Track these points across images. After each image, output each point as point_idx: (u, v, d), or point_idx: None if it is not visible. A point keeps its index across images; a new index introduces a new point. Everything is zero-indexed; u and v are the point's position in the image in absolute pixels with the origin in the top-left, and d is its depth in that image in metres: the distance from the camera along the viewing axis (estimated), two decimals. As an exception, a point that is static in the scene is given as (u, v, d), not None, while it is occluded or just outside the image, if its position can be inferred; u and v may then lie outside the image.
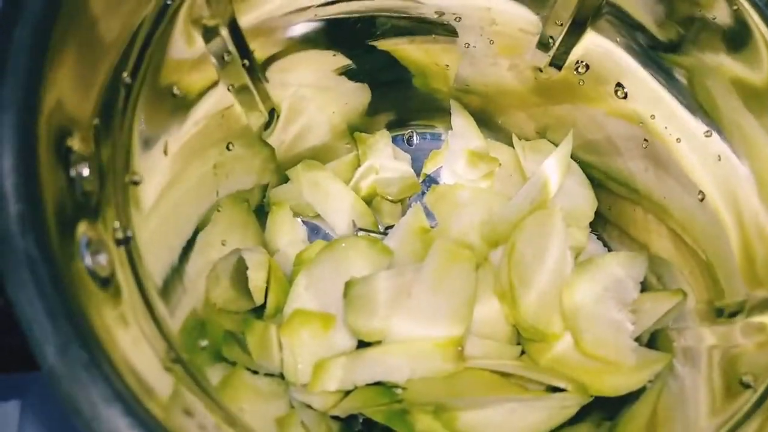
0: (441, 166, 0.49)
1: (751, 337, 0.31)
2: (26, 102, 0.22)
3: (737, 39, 0.33)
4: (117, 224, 0.27)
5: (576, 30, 0.40)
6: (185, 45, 0.33)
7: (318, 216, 0.48)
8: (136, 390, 0.21)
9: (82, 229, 0.24)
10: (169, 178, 0.32)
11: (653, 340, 0.39)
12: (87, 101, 0.26)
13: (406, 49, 0.46)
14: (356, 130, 0.50)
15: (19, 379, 0.41)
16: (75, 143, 0.24)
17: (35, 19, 0.24)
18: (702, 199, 0.37)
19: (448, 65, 0.47)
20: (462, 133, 0.48)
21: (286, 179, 0.48)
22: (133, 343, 0.24)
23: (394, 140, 0.51)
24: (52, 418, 0.40)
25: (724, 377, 0.31)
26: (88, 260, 0.23)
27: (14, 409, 0.41)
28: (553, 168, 0.41)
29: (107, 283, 0.24)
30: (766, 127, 0.33)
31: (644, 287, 0.40)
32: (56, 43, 0.24)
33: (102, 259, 0.24)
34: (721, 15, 0.33)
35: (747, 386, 0.29)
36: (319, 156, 0.49)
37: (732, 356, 0.32)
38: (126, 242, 0.27)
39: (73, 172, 0.24)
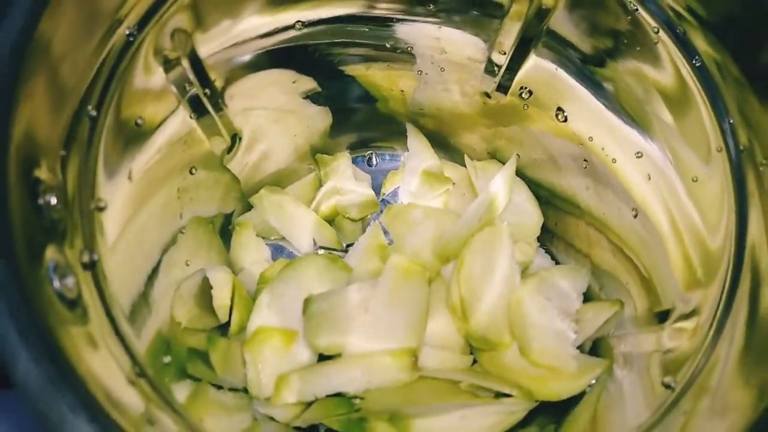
0: (399, 186, 0.52)
1: (675, 341, 0.34)
2: (-4, 136, 0.24)
3: (650, 56, 0.36)
4: (83, 249, 0.28)
5: (519, 57, 0.43)
6: (147, 76, 0.35)
7: (282, 238, 0.50)
8: (102, 400, 0.22)
9: (50, 254, 0.25)
10: (134, 203, 0.34)
11: (596, 348, 0.41)
12: (54, 133, 0.28)
13: (365, 74, 0.48)
14: (318, 151, 0.52)
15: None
16: (42, 173, 0.26)
17: (4, 55, 0.25)
18: (635, 216, 0.40)
19: (403, 90, 0.49)
20: (417, 154, 0.51)
21: (249, 207, 0.50)
22: (99, 359, 0.25)
23: (355, 161, 0.53)
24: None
25: (653, 380, 0.34)
26: (56, 283, 0.25)
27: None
28: (500, 186, 0.44)
29: (74, 304, 0.26)
30: (683, 127, 0.36)
31: (588, 297, 0.43)
32: (25, 78, 0.26)
33: (69, 282, 0.26)
34: (623, 24, 0.37)
35: (668, 387, 0.31)
36: (281, 181, 0.51)
37: (661, 360, 0.34)
38: (92, 266, 0.29)
39: (41, 201, 0.26)
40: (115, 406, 0.23)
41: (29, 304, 0.22)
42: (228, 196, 0.47)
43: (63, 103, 0.28)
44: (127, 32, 0.32)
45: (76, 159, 0.29)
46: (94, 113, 0.30)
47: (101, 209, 0.31)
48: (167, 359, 0.35)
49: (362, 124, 0.53)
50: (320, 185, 0.52)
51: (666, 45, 0.35)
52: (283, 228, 0.49)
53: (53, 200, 0.27)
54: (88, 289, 0.28)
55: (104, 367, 0.25)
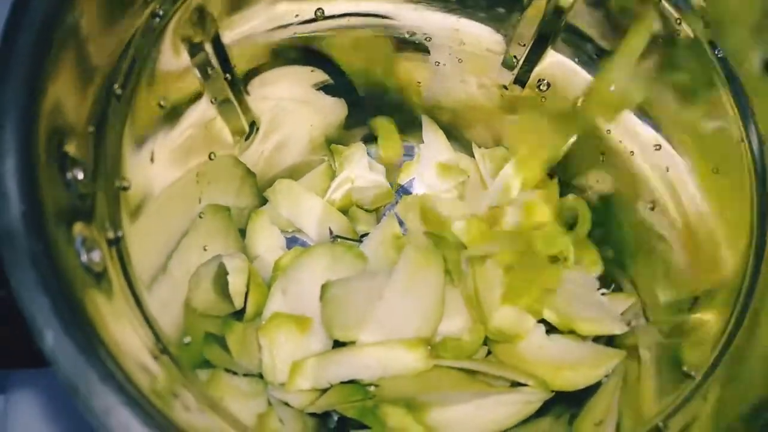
0: (413, 177, 0.52)
1: (694, 331, 0.34)
2: (27, 108, 0.24)
3: (672, 47, 0.36)
4: (108, 225, 0.29)
5: (538, 49, 0.43)
6: (172, 59, 0.35)
7: (298, 230, 0.50)
8: (128, 371, 0.23)
9: (78, 228, 0.26)
10: (156, 185, 0.34)
11: (612, 339, 0.41)
12: (82, 109, 0.28)
13: (382, 65, 0.48)
14: (333, 142, 0.52)
15: (4, 375, 0.43)
16: (71, 148, 0.26)
17: (35, 30, 0.26)
18: (653, 208, 0.40)
19: (419, 82, 0.49)
20: (433, 145, 0.51)
21: (264, 203, 0.50)
22: (124, 333, 0.25)
23: (370, 152, 0.53)
24: (36, 413, 0.41)
25: (669, 369, 0.34)
26: (83, 257, 0.25)
27: None
28: (510, 173, 0.44)
29: (100, 278, 0.26)
30: (704, 119, 0.36)
31: (606, 288, 0.43)
32: (54, 55, 0.26)
33: (95, 256, 0.26)
34: (644, 15, 0.37)
35: (688, 376, 0.32)
36: (295, 174, 0.51)
37: (680, 349, 0.34)
38: (116, 242, 0.29)
39: (69, 176, 0.26)
40: (141, 377, 0.23)
41: (60, 276, 0.23)
42: (243, 191, 0.47)
43: (91, 78, 0.29)
44: (153, 13, 0.32)
45: (102, 136, 0.29)
46: (119, 92, 0.31)
47: (125, 189, 0.31)
48: (187, 339, 0.35)
49: (377, 115, 0.53)
50: (333, 175, 0.52)
51: (688, 35, 0.35)
52: (297, 219, 0.49)
53: (80, 175, 0.27)
54: (112, 264, 0.28)
55: (130, 340, 0.26)
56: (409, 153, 0.54)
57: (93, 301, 0.24)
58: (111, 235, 0.29)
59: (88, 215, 0.27)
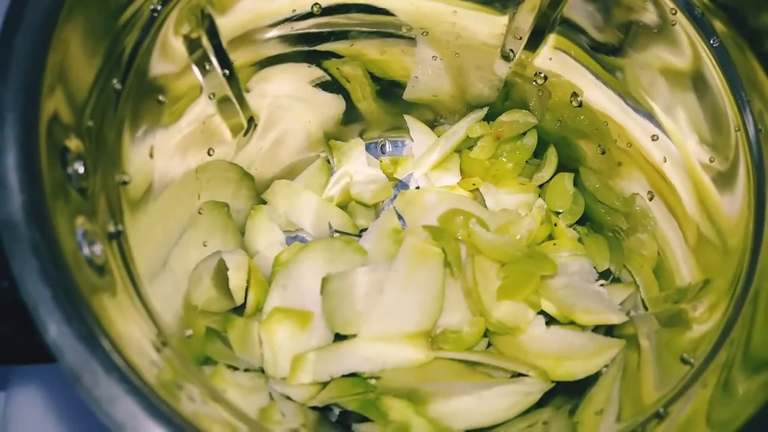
0: (411, 172, 0.52)
1: (692, 318, 0.34)
2: (29, 102, 0.24)
3: (668, 38, 0.37)
4: (108, 219, 0.29)
5: (534, 42, 0.43)
6: (170, 55, 0.35)
7: (300, 229, 0.50)
8: (131, 361, 0.23)
9: (79, 221, 0.26)
10: (155, 180, 0.34)
11: (611, 329, 0.42)
12: (82, 104, 0.28)
13: (380, 60, 0.49)
14: (331, 138, 0.52)
15: (4, 372, 0.43)
16: (71, 142, 0.26)
17: (35, 28, 0.26)
18: (651, 198, 0.40)
19: (417, 77, 0.49)
20: (423, 142, 0.51)
21: (263, 203, 0.50)
22: (127, 325, 0.25)
23: (368, 148, 0.53)
24: (37, 410, 0.41)
25: (668, 357, 0.34)
26: (85, 249, 0.25)
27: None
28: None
29: (102, 271, 0.26)
30: (700, 109, 0.36)
31: (605, 278, 0.43)
32: (54, 50, 0.26)
33: (97, 249, 0.26)
34: (640, 6, 0.37)
35: (687, 363, 0.32)
36: (294, 171, 0.51)
37: (676, 337, 0.35)
38: (117, 236, 0.29)
39: (69, 170, 0.26)
40: (144, 367, 0.23)
41: (61, 267, 0.23)
42: (239, 193, 0.47)
43: (90, 73, 0.29)
44: (152, 9, 0.33)
45: (102, 131, 0.29)
46: (118, 87, 0.31)
47: (125, 183, 0.31)
48: (189, 332, 0.35)
49: (375, 111, 0.53)
50: (331, 170, 0.52)
51: (684, 26, 0.35)
52: (297, 218, 0.49)
53: (81, 169, 0.27)
54: (113, 258, 0.28)
55: (132, 332, 0.26)
56: (407, 148, 0.54)
57: (95, 292, 0.24)
58: (111, 228, 0.29)
59: (89, 209, 0.27)
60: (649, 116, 0.40)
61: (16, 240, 0.22)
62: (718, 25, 0.35)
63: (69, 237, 0.24)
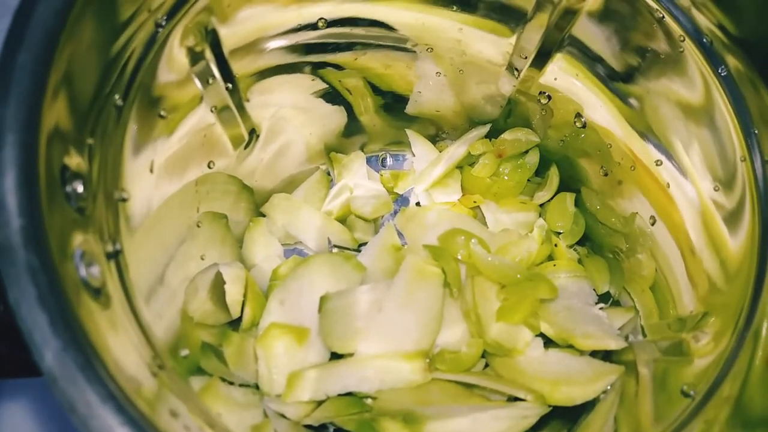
0: (412, 187, 0.52)
1: (693, 349, 0.34)
2: (28, 122, 0.24)
3: (675, 65, 0.36)
4: (107, 238, 0.28)
5: (540, 62, 0.43)
6: (172, 68, 0.35)
7: (299, 242, 0.50)
8: (127, 391, 0.22)
9: (77, 242, 0.25)
10: (155, 195, 0.34)
11: (609, 355, 0.41)
12: (82, 122, 0.27)
13: (383, 74, 0.48)
14: (332, 150, 0.52)
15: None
16: (71, 160, 0.26)
17: (37, 46, 0.25)
18: (653, 223, 0.40)
19: (420, 92, 0.49)
20: (424, 157, 0.51)
21: (262, 215, 0.49)
22: (122, 350, 0.25)
23: (369, 161, 0.53)
24: (30, 422, 0.41)
25: (668, 388, 0.34)
26: (82, 271, 0.25)
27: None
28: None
29: (99, 293, 0.26)
30: (706, 136, 0.36)
31: (604, 303, 0.43)
32: (55, 67, 0.26)
33: (94, 270, 0.26)
34: (648, 32, 0.37)
35: (687, 396, 0.31)
36: (294, 183, 0.51)
37: (676, 368, 0.34)
38: (115, 255, 0.29)
39: (68, 189, 0.26)
40: (140, 396, 0.23)
41: (58, 292, 0.22)
42: (238, 206, 0.47)
43: (91, 92, 0.28)
44: (156, 23, 0.32)
45: (102, 148, 0.29)
46: (120, 103, 0.30)
47: (124, 200, 0.30)
48: (185, 352, 0.35)
49: (377, 124, 0.53)
50: (331, 183, 0.52)
51: (692, 53, 0.35)
52: (296, 232, 0.49)
53: (80, 188, 0.26)
54: (111, 278, 0.28)
55: (128, 358, 0.25)
56: (408, 162, 0.54)
57: (91, 316, 0.24)
58: (110, 248, 0.28)
59: (87, 228, 0.27)
60: (654, 140, 0.40)
61: (12, 264, 0.22)
62: (727, 54, 0.34)
63: (67, 260, 0.24)
